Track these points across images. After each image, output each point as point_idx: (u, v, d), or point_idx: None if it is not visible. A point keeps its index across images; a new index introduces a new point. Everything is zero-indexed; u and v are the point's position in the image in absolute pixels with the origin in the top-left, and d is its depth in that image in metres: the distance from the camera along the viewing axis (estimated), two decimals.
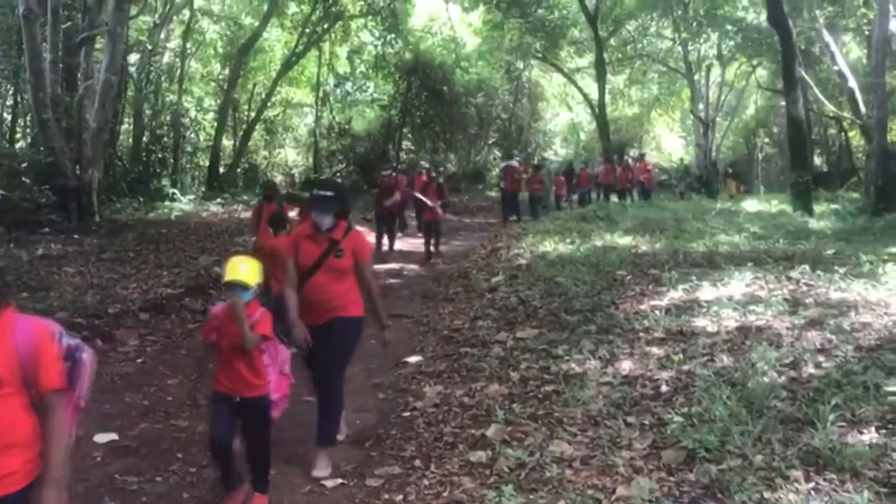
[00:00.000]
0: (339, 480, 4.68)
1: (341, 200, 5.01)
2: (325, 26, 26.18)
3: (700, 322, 6.67)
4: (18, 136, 19.26)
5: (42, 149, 14.09)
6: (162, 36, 23.16)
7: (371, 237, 13.10)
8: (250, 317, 4.11)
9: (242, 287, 4.09)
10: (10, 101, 19.59)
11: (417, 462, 4.74)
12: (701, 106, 31.74)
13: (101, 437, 5.34)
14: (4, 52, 17.78)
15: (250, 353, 4.14)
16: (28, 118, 17.51)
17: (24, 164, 13.94)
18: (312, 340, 4.81)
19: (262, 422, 4.28)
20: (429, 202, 13.70)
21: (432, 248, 13.74)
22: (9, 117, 19.57)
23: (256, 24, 24.89)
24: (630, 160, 25.85)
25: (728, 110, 34.47)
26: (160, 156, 22.92)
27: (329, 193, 5.01)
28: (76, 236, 12.62)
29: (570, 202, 23.61)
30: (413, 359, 7.30)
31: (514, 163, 21.19)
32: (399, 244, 15.01)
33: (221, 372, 4.20)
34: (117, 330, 7.99)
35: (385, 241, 14.19)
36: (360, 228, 7.22)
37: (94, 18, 14.94)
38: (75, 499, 4.42)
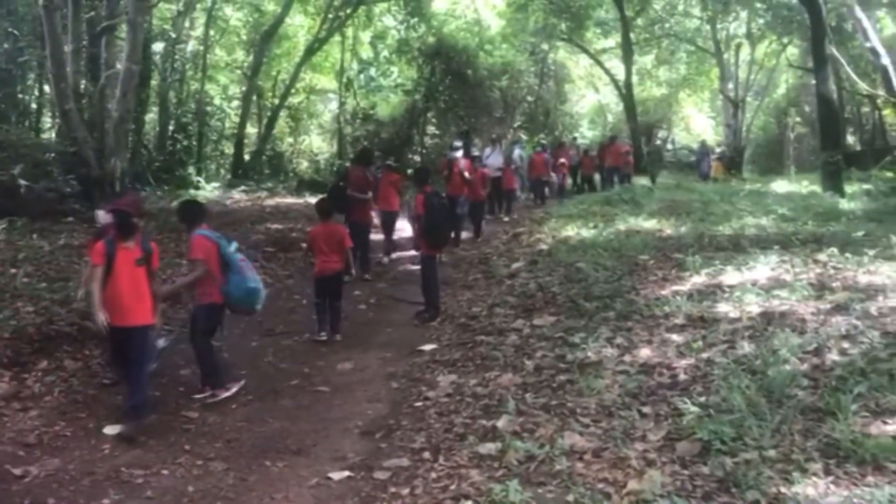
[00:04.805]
0: (346, 473, 4.59)
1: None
2: (348, 11, 25.95)
3: (722, 308, 6.48)
4: (47, 126, 19.40)
5: (66, 139, 14.14)
6: (186, 24, 23.18)
7: None
8: None
9: None
10: (36, 93, 19.73)
11: (426, 454, 4.64)
12: (730, 86, 31.13)
13: (110, 430, 5.31)
14: (30, 42, 17.87)
15: None
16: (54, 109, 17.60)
17: (49, 155, 13.99)
18: None
19: None
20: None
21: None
22: (35, 108, 19.73)
23: (279, 10, 24.81)
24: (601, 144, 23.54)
25: (758, 90, 33.70)
26: (185, 144, 22.93)
27: None
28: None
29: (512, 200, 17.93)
30: (428, 347, 7.21)
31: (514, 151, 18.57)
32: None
33: None
34: None
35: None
36: None
37: (114, 7, 14.93)
38: (80, 492, 4.42)
